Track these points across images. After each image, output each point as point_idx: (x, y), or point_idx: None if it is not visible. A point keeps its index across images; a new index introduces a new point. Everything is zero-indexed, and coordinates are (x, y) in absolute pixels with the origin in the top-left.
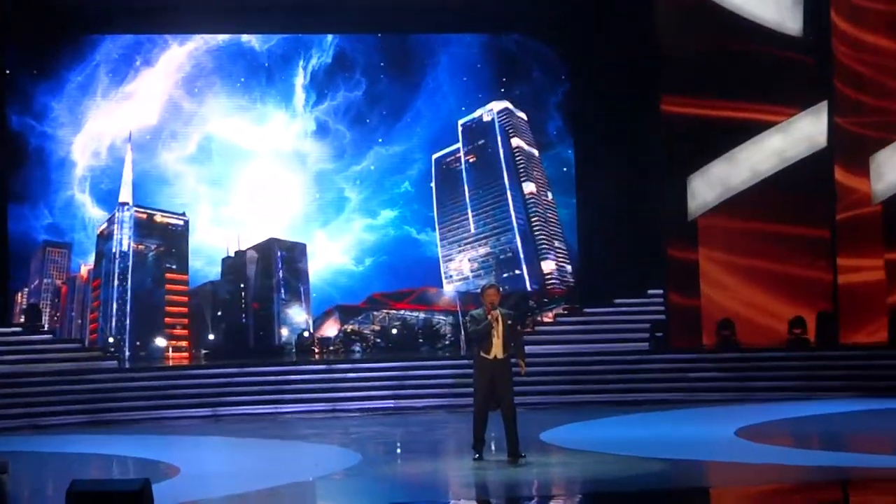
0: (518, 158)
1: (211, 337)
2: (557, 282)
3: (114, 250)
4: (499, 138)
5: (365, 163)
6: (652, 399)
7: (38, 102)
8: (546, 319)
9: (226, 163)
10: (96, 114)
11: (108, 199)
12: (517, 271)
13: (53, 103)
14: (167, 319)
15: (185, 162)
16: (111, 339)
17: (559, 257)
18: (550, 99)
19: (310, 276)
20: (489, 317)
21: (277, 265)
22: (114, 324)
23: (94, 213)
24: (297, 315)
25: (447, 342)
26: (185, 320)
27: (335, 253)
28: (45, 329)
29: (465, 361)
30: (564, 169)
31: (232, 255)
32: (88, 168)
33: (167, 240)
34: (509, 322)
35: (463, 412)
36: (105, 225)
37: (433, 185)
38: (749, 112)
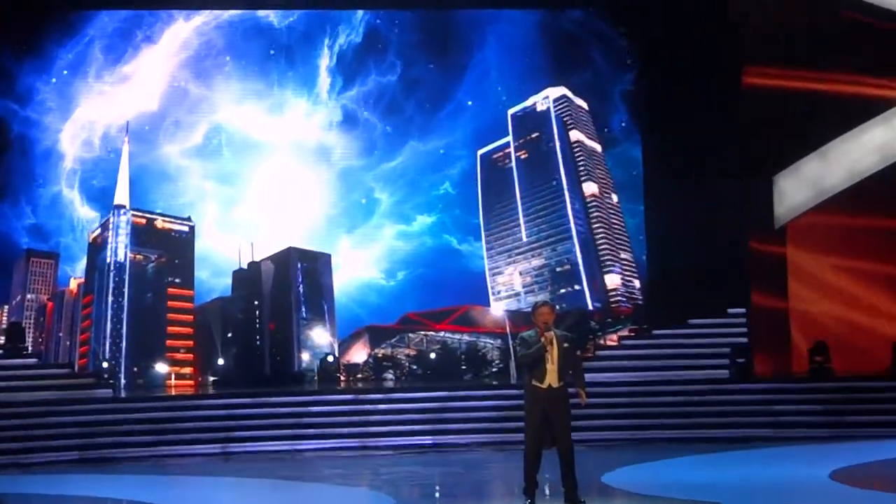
0: (578, 154)
1: (220, 362)
2: (623, 299)
3: (108, 261)
4: (555, 131)
5: (399, 159)
6: (732, 436)
7: (21, 83)
8: (609, 342)
9: (237, 157)
10: (88, 98)
11: (100, 197)
12: (576, 286)
13: (39, 84)
14: (169, 342)
15: (191, 155)
16: (105, 364)
17: (625, 270)
18: (615, 87)
19: (335, 291)
20: (542, 339)
21: (297, 279)
22: (107, 346)
23: (85, 214)
24: (320, 337)
25: (494, 369)
26: (190, 342)
27: (361, 265)
28: (29, 352)
29: (516, 391)
30: (631, 170)
31: (244, 266)
32: (79, 160)
33: (170, 249)
34: (566, 345)
35: (512, 450)
36: (98, 231)
37: (479, 185)
38: (845, 85)
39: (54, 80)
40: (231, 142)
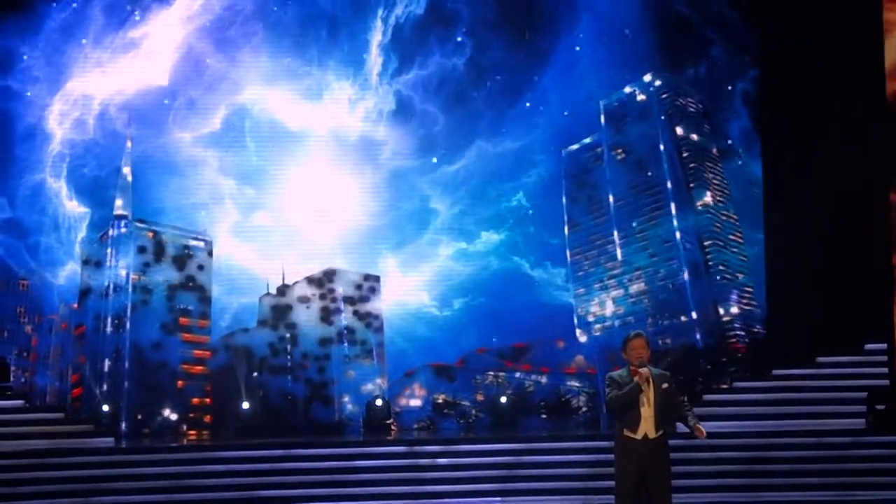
0: (686, 154)
1: (245, 406)
2: (742, 333)
3: (106, 283)
4: (658, 125)
5: (462, 161)
6: (872, 499)
7: (1, 47)
8: (721, 386)
9: (264, 150)
10: (84, 68)
11: (91, 190)
12: (683, 318)
13: (23, 49)
14: (181, 382)
15: (206, 144)
16: (105, 408)
17: (744, 298)
18: (736, 85)
19: (384, 321)
20: (636, 378)
21: (339, 306)
22: (106, 387)
23: (72, 209)
24: (367, 378)
25: (581, 417)
26: (208, 385)
27: (409, 289)
28: (12, 392)
29: (605, 443)
30: (750, 187)
31: (274, 291)
32: (68, 144)
33: (181, 270)
34: (664, 387)
35: None
36: (94, 246)
37: (563, 191)
38: None
39: (42, 43)
40: (257, 130)
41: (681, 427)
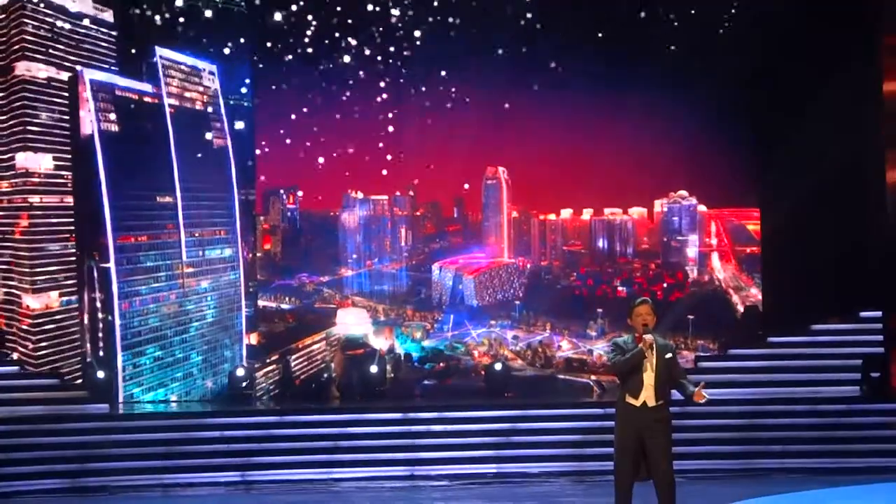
0: None
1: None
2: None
3: None
4: None
5: None
6: (865, 466)
7: None
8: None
9: None
10: None
11: None
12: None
13: None
14: None
15: None
16: (100, 374)
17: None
18: None
19: None
20: (640, 344)
21: None
22: (101, 350)
23: None
24: None
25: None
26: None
27: None
28: (10, 359)
29: (598, 410)
30: None
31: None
32: None
33: None
34: (667, 356)
35: (594, 482)
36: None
37: None
38: None
39: None
40: None
41: (675, 395)
